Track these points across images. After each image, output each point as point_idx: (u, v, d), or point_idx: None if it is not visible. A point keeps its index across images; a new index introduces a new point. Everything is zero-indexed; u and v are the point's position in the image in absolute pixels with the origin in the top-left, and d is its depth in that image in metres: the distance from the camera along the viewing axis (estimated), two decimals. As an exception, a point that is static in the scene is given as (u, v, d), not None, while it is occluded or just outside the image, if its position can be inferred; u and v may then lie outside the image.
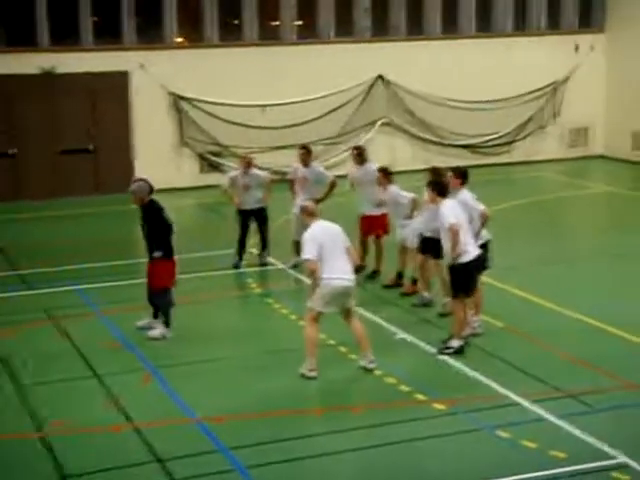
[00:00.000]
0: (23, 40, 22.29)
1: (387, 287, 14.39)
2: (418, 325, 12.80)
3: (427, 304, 13.43)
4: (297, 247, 15.29)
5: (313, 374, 10.85)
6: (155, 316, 12.56)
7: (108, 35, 23.03)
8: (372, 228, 14.84)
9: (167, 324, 12.39)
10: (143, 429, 9.62)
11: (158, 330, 12.38)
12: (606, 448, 8.94)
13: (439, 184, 11.86)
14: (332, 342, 11.80)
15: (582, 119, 26.45)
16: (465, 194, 12.16)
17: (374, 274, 14.80)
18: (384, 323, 12.76)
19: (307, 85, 23.50)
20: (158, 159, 22.64)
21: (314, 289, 10.92)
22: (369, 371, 11.00)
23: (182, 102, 23.08)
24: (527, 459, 8.84)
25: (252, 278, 15.39)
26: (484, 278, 12.57)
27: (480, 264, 11.86)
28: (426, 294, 13.49)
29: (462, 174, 12.35)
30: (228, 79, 23.15)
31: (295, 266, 15.25)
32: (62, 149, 22.48)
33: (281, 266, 15.69)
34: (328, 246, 10.83)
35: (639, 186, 22.97)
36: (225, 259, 15.85)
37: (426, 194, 12.42)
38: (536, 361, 11.33)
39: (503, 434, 9.35)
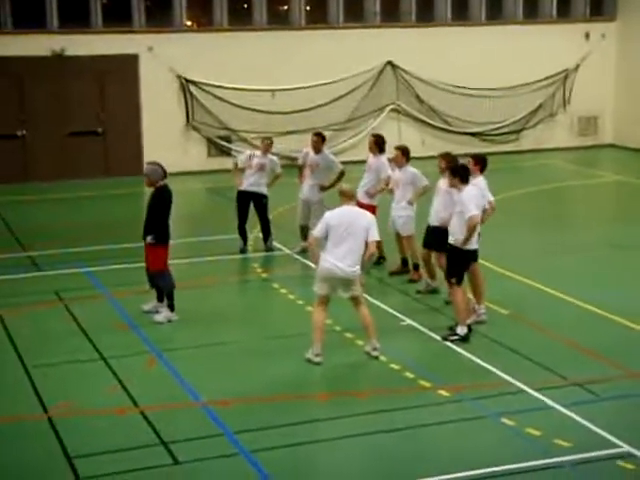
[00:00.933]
0: (33, 22, 22.30)
1: (393, 274, 14.37)
2: (424, 312, 12.80)
3: (433, 291, 13.43)
4: (304, 232, 15.32)
5: (318, 359, 10.86)
6: (160, 299, 12.58)
7: (117, 18, 23.03)
8: None
9: (172, 307, 12.41)
10: (148, 412, 9.65)
11: (163, 314, 12.40)
12: (611, 437, 8.94)
13: (462, 169, 11.75)
14: (338, 328, 11.81)
15: (592, 107, 26.37)
16: (481, 181, 12.17)
17: (380, 260, 14.76)
18: (390, 309, 12.76)
19: (316, 70, 23.48)
20: (166, 142, 22.65)
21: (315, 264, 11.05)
22: (374, 358, 11.00)
23: (191, 86, 23.07)
24: (532, 447, 8.84)
25: (258, 263, 15.40)
26: (489, 265, 12.56)
27: (475, 257, 11.88)
28: (430, 281, 13.48)
29: (482, 160, 12.36)
30: (237, 63, 23.12)
31: (302, 251, 15.25)
32: (71, 131, 22.52)
33: (287, 251, 15.70)
34: (338, 231, 10.79)
35: (649, 175, 22.93)
36: (232, 243, 15.85)
37: (441, 181, 12.37)
38: (542, 349, 11.32)
39: (508, 422, 9.35)
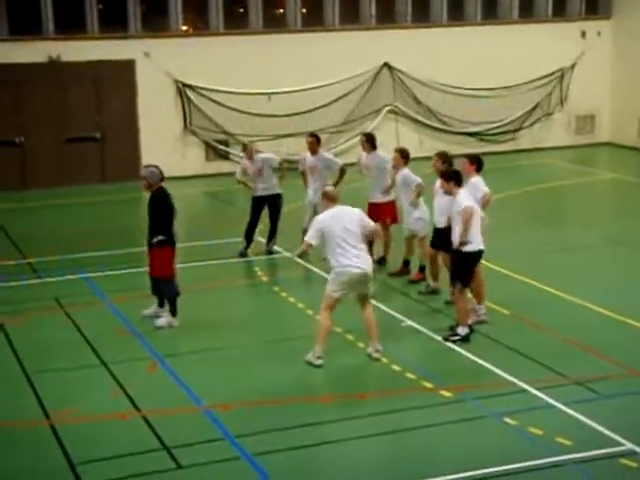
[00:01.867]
0: (29, 29, 22.28)
1: (393, 275, 14.37)
2: (425, 313, 12.81)
3: (433, 292, 13.43)
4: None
5: (320, 362, 10.86)
6: (161, 305, 12.57)
7: (114, 23, 23.01)
8: (378, 216, 14.80)
9: (174, 313, 12.40)
10: (150, 417, 9.65)
11: (164, 319, 12.39)
12: (614, 435, 8.95)
13: (456, 175, 11.77)
14: (339, 330, 11.79)
15: (589, 106, 26.37)
16: (477, 179, 12.20)
17: (381, 261, 14.77)
18: (391, 311, 12.76)
19: (313, 73, 23.46)
20: (164, 147, 22.64)
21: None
22: (375, 359, 11.00)
23: (188, 90, 23.07)
24: (534, 446, 8.85)
25: (259, 267, 15.40)
26: (490, 265, 12.57)
27: (480, 258, 11.86)
28: (432, 282, 13.49)
29: (477, 160, 12.38)
30: (233, 67, 23.11)
31: (303, 254, 15.23)
32: (69, 137, 22.50)
33: (288, 254, 15.69)
34: (336, 232, 10.81)
35: (646, 173, 22.94)
36: (232, 247, 15.85)
37: (438, 182, 12.41)
38: (543, 348, 11.33)
39: (510, 421, 9.36)
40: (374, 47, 24.08)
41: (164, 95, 22.92)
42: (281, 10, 24.69)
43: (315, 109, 23.67)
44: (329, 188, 11.65)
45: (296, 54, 23.52)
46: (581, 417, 9.38)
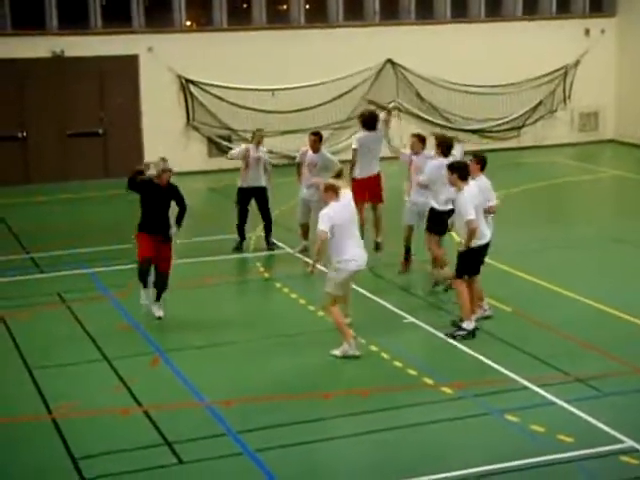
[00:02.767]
0: (32, 24, 22.28)
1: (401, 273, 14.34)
2: (426, 309, 12.82)
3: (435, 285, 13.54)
4: (304, 230, 15.34)
5: (357, 352, 10.97)
6: (158, 298, 12.57)
7: (117, 18, 23.00)
8: (364, 192, 14.69)
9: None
10: (152, 412, 9.67)
11: (161, 310, 12.47)
12: (615, 432, 8.95)
13: (459, 166, 11.74)
14: (341, 326, 11.81)
15: (592, 103, 26.34)
16: (483, 180, 12.18)
17: (377, 247, 14.78)
18: (392, 307, 12.77)
19: (316, 69, 23.44)
20: (167, 142, 22.61)
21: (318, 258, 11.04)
22: (376, 355, 11.02)
23: (191, 86, 23.07)
24: (535, 443, 8.86)
25: (260, 262, 15.40)
26: (492, 262, 12.57)
27: (487, 249, 11.87)
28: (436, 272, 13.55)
29: (481, 160, 12.38)
30: (237, 63, 23.10)
31: (304, 250, 15.26)
32: (71, 132, 22.51)
33: (289, 250, 15.70)
34: (345, 225, 10.92)
35: (649, 171, 22.92)
36: (233, 243, 15.85)
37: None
38: (544, 345, 11.33)
39: (511, 418, 9.36)
40: (377, 43, 24.05)
41: (167, 90, 22.91)
42: (285, 6, 24.67)
43: (318, 105, 23.65)
44: (332, 180, 11.56)
45: (300, 50, 23.50)
46: (582, 414, 9.38)
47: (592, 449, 8.69)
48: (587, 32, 26.07)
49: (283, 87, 23.39)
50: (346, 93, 23.98)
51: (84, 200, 20.77)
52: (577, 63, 25.99)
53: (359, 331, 11.54)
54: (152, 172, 12.51)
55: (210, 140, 23.47)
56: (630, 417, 9.42)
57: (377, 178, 15.12)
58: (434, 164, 13.07)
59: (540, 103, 25.84)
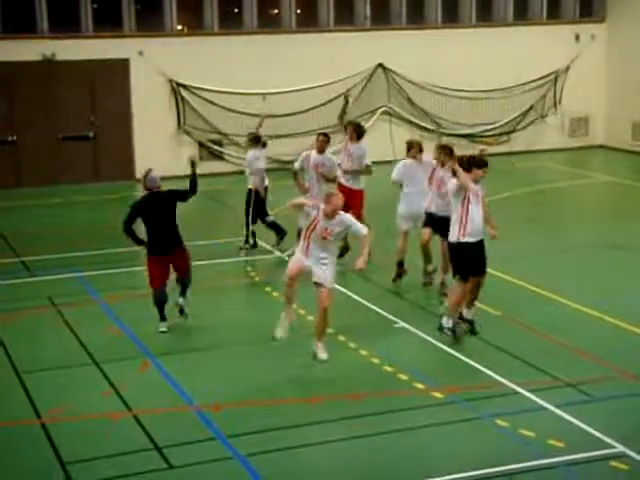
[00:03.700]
0: (23, 27, 22.26)
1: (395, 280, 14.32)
2: (417, 314, 12.82)
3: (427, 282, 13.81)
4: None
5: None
6: (183, 293, 12.51)
7: (108, 22, 23.00)
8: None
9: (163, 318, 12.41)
10: (141, 416, 9.64)
11: (187, 307, 12.49)
12: (605, 437, 8.96)
13: (467, 159, 11.72)
14: (331, 330, 11.76)
15: (582, 109, 26.42)
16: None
17: (344, 252, 14.78)
18: (383, 312, 12.77)
19: (307, 73, 23.47)
20: (158, 146, 22.63)
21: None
22: (367, 360, 11.01)
23: (182, 90, 23.06)
24: (526, 448, 8.86)
25: (251, 266, 15.39)
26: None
27: (478, 249, 11.74)
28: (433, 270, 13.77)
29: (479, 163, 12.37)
30: (228, 67, 23.12)
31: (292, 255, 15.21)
32: (62, 136, 22.49)
33: (280, 254, 15.69)
34: None
35: (639, 176, 22.94)
36: (224, 247, 15.86)
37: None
38: (534, 350, 11.33)
39: (502, 423, 9.37)
40: (368, 48, 24.09)
41: (158, 94, 22.90)
42: (276, 10, 24.70)
43: (309, 109, 23.66)
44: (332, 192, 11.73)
45: (291, 54, 23.52)
46: (573, 419, 9.39)
47: (582, 454, 8.69)
48: (577, 37, 26.16)
49: (274, 91, 23.40)
50: (338, 97, 23.95)
51: (75, 204, 20.73)
52: (567, 68, 26.07)
53: (348, 336, 11.54)
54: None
55: (201, 144, 23.45)
56: (620, 422, 9.43)
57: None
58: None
59: (530, 108, 25.90)
